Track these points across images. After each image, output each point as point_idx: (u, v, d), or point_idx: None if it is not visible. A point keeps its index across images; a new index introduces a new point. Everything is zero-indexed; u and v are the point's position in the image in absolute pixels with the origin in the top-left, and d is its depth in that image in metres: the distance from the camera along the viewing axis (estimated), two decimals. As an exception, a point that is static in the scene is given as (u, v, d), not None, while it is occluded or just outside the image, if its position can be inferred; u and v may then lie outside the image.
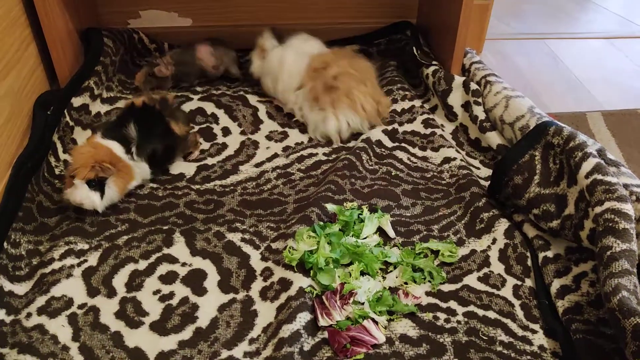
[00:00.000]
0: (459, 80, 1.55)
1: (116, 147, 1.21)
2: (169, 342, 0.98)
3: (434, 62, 1.65)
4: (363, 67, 1.53)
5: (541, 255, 1.12)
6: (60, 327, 0.99)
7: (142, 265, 1.12)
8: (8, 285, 1.06)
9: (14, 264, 1.09)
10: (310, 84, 1.50)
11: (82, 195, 1.16)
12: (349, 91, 1.46)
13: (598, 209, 1.01)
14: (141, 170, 1.27)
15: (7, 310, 1.02)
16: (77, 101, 1.46)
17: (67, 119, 1.41)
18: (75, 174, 1.14)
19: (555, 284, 1.05)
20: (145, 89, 1.58)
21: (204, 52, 1.65)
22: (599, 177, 1.05)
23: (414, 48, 1.72)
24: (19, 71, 1.34)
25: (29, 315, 1.01)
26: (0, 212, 1.14)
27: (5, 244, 1.11)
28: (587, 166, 1.08)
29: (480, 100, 1.49)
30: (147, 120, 1.28)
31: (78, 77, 1.50)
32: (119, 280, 1.09)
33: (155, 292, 1.07)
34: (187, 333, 1.00)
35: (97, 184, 1.17)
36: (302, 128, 1.53)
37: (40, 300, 1.04)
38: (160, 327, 1.00)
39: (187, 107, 1.58)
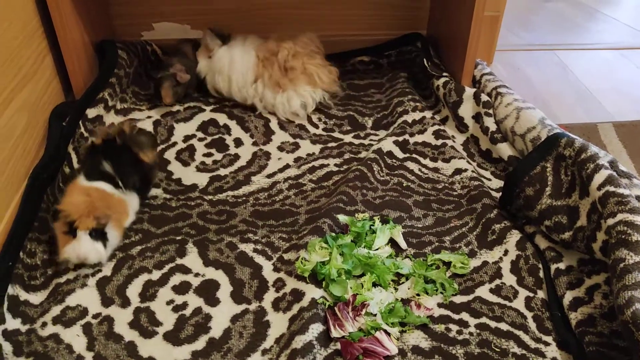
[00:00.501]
0: (469, 91, 1.55)
1: (105, 186, 1.16)
2: (183, 352, 0.99)
3: (444, 74, 1.66)
4: (307, 41, 1.65)
5: (553, 267, 1.12)
6: (75, 337, 1.01)
7: (156, 275, 1.13)
8: (24, 295, 1.07)
9: (29, 273, 1.10)
10: (267, 73, 1.60)
11: (86, 248, 1.08)
12: (303, 68, 1.60)
13: (610, 221, 1.01)
14: (133, 202, 1.24)
15: (22, 320, 1.03)
16: (91, 112, 1.48)
17: (82, 130, 1.42)
18: (76, 226, 1.07)
19: (568, 296, 1.05)
20: (172, 102, 1.61)
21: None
22: (611, 189, 1.05)
23: (425, 59, 1.73)
24: (35, 83, 1.36)
25: (44, 324, 1.03)
26: (17, 222, 1.16)
27: (21, 253, 1.12)
28: (599, 178, 1.08)
29: (491, 111, 1.50)
30: (115, 155, 1.22)
31: (93, 89, 1.52)
32: (133, 290, 1.10)
33: (169, 302, 1.08)
34: (200, 343, 1.00)
35: (98, 233, 1.10)
36: (314, 139, 1.55)
37: (56, 310, 1.05)
38: (173, 337, 1.01)
39: (199, 118, 1.60)
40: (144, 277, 1.12)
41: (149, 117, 1.59)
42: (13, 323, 1.02)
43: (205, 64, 1.65)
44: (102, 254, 1.11)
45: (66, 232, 1.08)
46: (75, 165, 1.36)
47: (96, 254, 1.10)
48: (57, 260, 1.11)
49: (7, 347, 0.98)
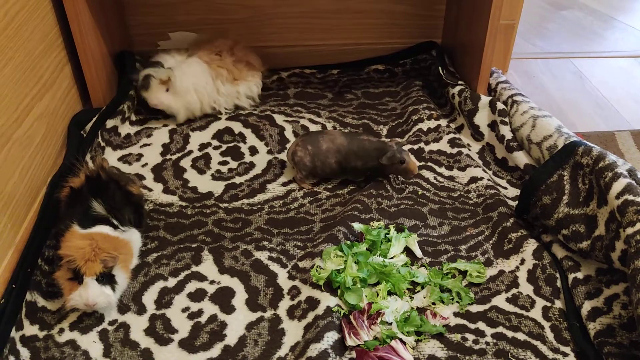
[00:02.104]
0: (485, 100, 1.55)
1: (105, 229, 1.08)
2: (198, 360, 0.99)
3: (459, 82, 1.66)
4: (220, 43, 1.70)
5: (571, 276, 1.11)
6: (91, 343, 1.01)
7: (172, 282, 1.13)
8: (41, 301, 1.08)
9: (47, 280, 1.12)
10: (225, 72, 1.64)
11: (95, 294, 1.01)
12: (240, 56, 1.69)
13: (630, 230, 0.99)
14: (136, 239, 1.17)
15: (40, 326, 1.04)
16: (109, 123, 1.50)
17: (99, 139, 1.44)
18: (83, 272, 1.00)
19: (586, 306, 1.04)
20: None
21: None
22: (630, 197, 1.03)
23: (440, 68, 1.73)
24: (54, 92, 1.38)
25: (61, 330, 1.03)
26: (35, 230, 1.18)
27: (39, 260, 1.14)
28: (617, 186, 1.06)
29: (507, 119, 1.49)
30: (103, 192, 1.14)
31: (115, 101, 1.55)
32: (149, 298, 1.10)
33: (184, 310, 1.08)
34: (215, 351, 1.00)
35: (106, 277, 1.03)
36: (328, 147, 1.55)
37: (72, 317, 1.06)
38: (189, 345, 1.02)
39: (215, 126, 1.61)
40: (159, 285, 1.13)
41: (165, 125, 1.60)
42: (31, 329, 1.03)
43: (173, 99, 1.56)
44: (112, 298, 1.04)
45: (71, 279, 1.02)
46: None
47: (105, 299, 1.03)
48: (63, 308, 1.05)
49: (25, 353, 0.99)
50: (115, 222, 1.11)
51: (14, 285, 1.07)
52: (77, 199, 1.13)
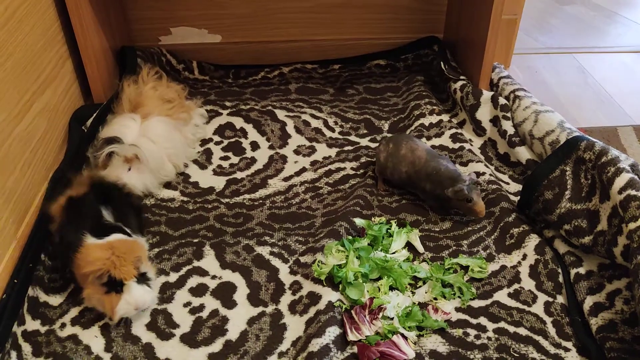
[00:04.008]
0: (487, 95, 1.54)
1: (119, 236, 1.05)
2: (199, 355, 0.99)
3: (461, 77, 1.65)
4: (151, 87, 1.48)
5: (573, 271, 1.11)
6: (93, 338, 1.01)
7: (173, 277, 1.13)
8: (43, 297, 1.08)
9: (49, 275, 1.12)
10: (185, 115, 1.47)
11: (141, 296, 1.01)
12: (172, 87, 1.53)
13: (632, 225, 0.99)
14: (144, 243, 1.15)
15: (42, 321, 1.04)
16: (110, 118, 1.49)
17: (100, 134, 1.44)
18: (123, 278, 0.98)
19: (588, 301, 1.04)
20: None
21: None
22: (633, 192, 1.03)
23: (442, 63, 1.72)
24: (55, 87, 1.38)
25: (63, 325, 1.04)
26: (37, 225, 1.18)
27: (42, 255, 1.14)
28: (620, 181, 1.06)
29: (509, 115, 1.48)
30: (110, 200, 1.12)
31: (116, 95, 1.55)
32: (151, 292, 1.10)
33: (186, 305, 1.08)
34: (217, 345, 1.00)
35: (141, 277, 1.02)
36: (330, 142, 1.54)
37: (74, 312, 1.06)
38: (190, 339, 1.02)
39: (216, 121, 1.61)
40: (161, 279, 1.13)
41: (167, 120, 1.60)
42: (33, 324, 1.03)
43: (134, 178, 1.28)
44: (154, 295, 1.06)
45: (107, 292, 0.99)
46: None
47: (150, 297, 1.03)
48: (111, 321, 1.02)
49: (27, 348, 0.99)
50: (128, 230, 1.08)
51: (15, 281, 1.07)
52: (81, 208, 1.08)
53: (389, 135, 1.33)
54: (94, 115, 1.47)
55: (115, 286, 0.99)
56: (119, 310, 0.99)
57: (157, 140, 1.32)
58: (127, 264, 0.99)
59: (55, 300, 1.09)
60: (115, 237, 1.04)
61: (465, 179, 1.23)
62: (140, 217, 1.21)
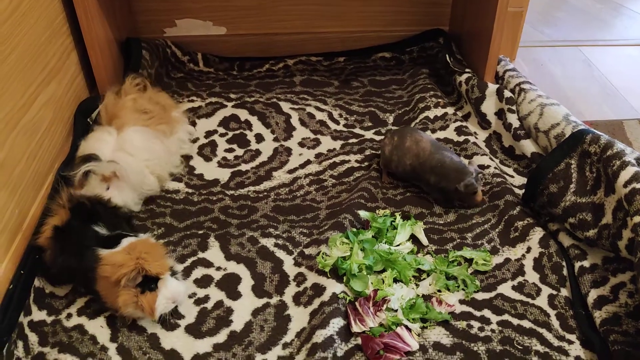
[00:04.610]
0: (492, 88, 1.54)
1: (132, 239, 1.03)
2: (204, 345, 1.00)
3: (467, 70, 1.65)
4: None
5: (577, 264, 1.11)
6: (99, 328, 1.02)
7: (178, 268, 1.14)
8: (49, 287, 1.09)
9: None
10: (164, 127, 1.35)
11: (178, 288, 1.01)
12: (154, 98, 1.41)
13: (637, 219, 0.99)
14: None
15: (48, 311, 1.05)
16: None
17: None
18: (157, 273, 0.97)
19: (592, 295, 1.04)
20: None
21: None
22: (638, 185, 1.03)
23: (447, 55, 1.72)
24: (60, 79, 1.38)
25: (69, 315, 1.04)
26: (43, 216, 1.18)
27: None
28: (625, 175, 1.06)
29: (514, 108, 1.48)
30: (92, 215, 1.08)
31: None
32: (156, 283, 1.11)
33: (191, 296, 1.09)
34: (221, 336, 1.01)
35: (172, 271, 1.03)
36: (334, 135, 1.54)
37: (80, 302, 1.07)
38: (195, 330, 1.02)
39: (221, 113, 1.61)
40: (166, 271, 1.13)
41: (172, 113, 1.60)
42: (39, 314, 1.04)
43: (114, 195, 1.18)
44: (186, 285, 1.07)
45: (142, 292, 0.97)
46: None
47: (184, 288, 1.04)
48: (154, 320, 1.01)
49: (33, 338, 1.00)
50: (131, 234, 1.06)
51: (22, 272, 1.08)
52: (69, 234, 1.04)
53: (395, 128, 1.33)
54: (99, 107, 1.47)
55: (149, 284, 0.98)
56: (158, 306, 0.98)
57: (135, 152, 1.23)
58: (158, 259, 0.98)
59: (61, 290, 1.09)
60: (128, 240, 1.02)
61: (472, 171, 1.23)
62: (131, 223, 1.20)
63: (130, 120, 1.27)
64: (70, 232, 1.05)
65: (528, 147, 1.42)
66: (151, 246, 1.01)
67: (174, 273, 1.04)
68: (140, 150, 1.25)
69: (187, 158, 1.45)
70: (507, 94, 1.50)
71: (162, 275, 0.98)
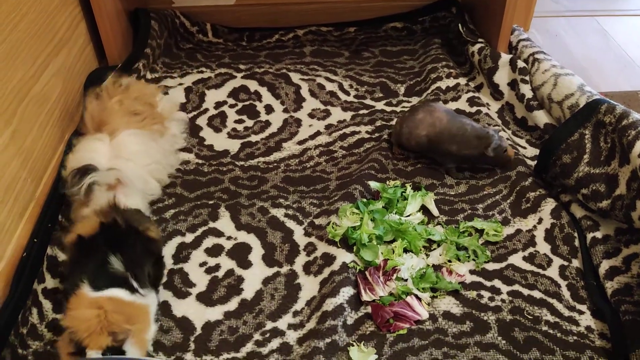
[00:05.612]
0: (505, 58, 1.51)
1: (120, 293, 0.90)
2: (215, 313, 1.01)
3: (479, 40, 1.62)
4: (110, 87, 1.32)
5: (589, 236, 1.10)
6: (111, 296, 1.03)
7: (189, 238, 1.14)
8: (62, 256, 1.10)
9: (65, 226, 1.13)
10: (158, 127, 1.27)
11: None
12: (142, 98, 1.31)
13: (652, 189, 0.98)
14: (153, 303, 0.98)
15: (61, 279, 1.06)
16: (124, 82, 1.49)
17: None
18: (86, 344, 0.84)
19: (604, 265, 1.03)
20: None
21: None
22: (653, 156, 1.01)
23: (460, 25, 1.69)
24: (69, 49, 1.38)
25: (82, 283, 1.05)
26: (55, 186, 1.19)
27: (60, 216, 1.15)
28: (640, 145, 1.04)
29: (527, 78, 1.46)
30: (120, 243, 0.96)
31: (130, 59, 1.54)
32: (167, 252, 1.12)
33: (202, 264, 1.09)
34: (232, 304, 1.02)
35: (115, 353, 0.85)
36: (345, 106, 1.53)
37: (93, 270, 1.08)
38: (206, 298, 1.03)
39: (230, 84, 1.59)
40: (177, 240, 1.14)
41: (181, 84, 1.59)
42: (52, 282, 1.05)
43: (130, 203, 1.09)
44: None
45: (72, 353, 0.85)
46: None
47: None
48: None
49: (47, 305, 1.02)
50: (135, 285, 0.93)
51: (35, 240, 1.09)
52: (88, 251, 0.95)
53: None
54: (109, 77, 1.46)
55: (79, 351, 0.84)
56: None
57: (133, 157, 1.14)
58: (102, 332, 0.85)
59: (73, 259, 1.10)
60: (114, 293, 0.90)
61: (492, 133, 1.22)
62: (160, 265, 1.07)
63: (121, 125, 1.17)
64: (89, 249, 0.95)
65: (541, 118, 1.40)
66: (125, 317, 0.87)
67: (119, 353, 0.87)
68: (138, 155, 1.16)
69: (196, 129, 1.44)
70: (520, 64, 1.47)
71: (88, 349, 0.84)
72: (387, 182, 1.25)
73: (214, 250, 1.12)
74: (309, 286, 1.04)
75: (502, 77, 1.51)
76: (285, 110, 1.52)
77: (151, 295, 0.97)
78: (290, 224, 1.18)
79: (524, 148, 1.39)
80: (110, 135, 1.16)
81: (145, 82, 1.54)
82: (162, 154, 1.26)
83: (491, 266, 1.08)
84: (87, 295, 0.89)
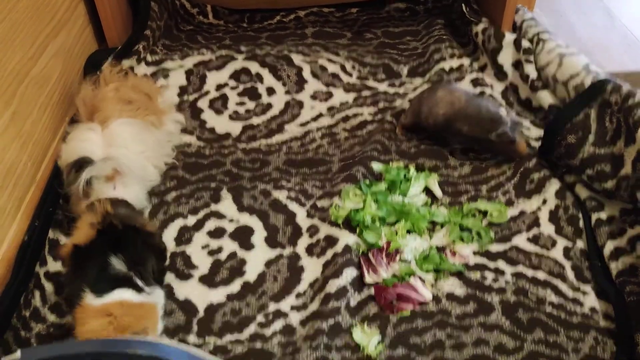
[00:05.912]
0: (509, 38, 1.49)
1: (126, 294, 0.88)
2: (218, 295, 1.00)
3: (483, 20, 1.60)
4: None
5: (594, 216, 1.09)
6: (114, 278, 1.03)
7: (191, 220, 1.14)
8: (63, 239, 1.10)
9: (69, 218, 1.13)
10: (153, 117, 1.23)
11: None
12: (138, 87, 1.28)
13: (658, 169, 0.97)
14: (160, 299, 0.96)
15: (63, 262, 1.06)
16: (124, 63, 1.48)
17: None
18: None
19: (609, 246, 1.03)
20: None
21: None
22: (660, 135, 1.00)
23: (463, 5, 1.66)
24: (69, 30, 1.36)
25: (84, 266, 1.05)
26: (55, 169, 1.18)
27: (61, 200, 1.15)
28: (647, 125, 1.03)
29: (531, 58, 1.44)
30: (121, 243, 0.93)
31: (130, 41, 1.52)
32: (169, 235, 1.11)
33: (204, 247, 1.09)
34: (235, 286, 1.02)
35: None
36: (347, 88, 1.52)
37: (95, 253, 1.07)
38: (209, 280, 1.03)
39: (231, 66, 1.57)
40: (179, 222, 1.14)
41: (182, 66, 1.58)
42: (54, 265, 1.05)
43: (123, 193, 1.07)
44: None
45: None
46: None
47: None
48: None
49: (50, 288, 1.02)
50: (140, 284, 0.91)
51: (36, 223, 1.09)
52: (86, 258, 0.91)
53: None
54: (109, 59, 1.44)
55: None
56: None
57: (127, 145, 1.11)
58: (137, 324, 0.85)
59: (75, 242, 1.10)
60: (120, 294, 0.87)
61: (507, 121, 1.19)
62: (163, 253, 1.05)
63: (114, 112, 1.13)
64: (88, 257, 0.91)
65: (545, 98, 1.38)
66: (136, 319, 0.86)
67: None
68: (132, 142, 1.12)
69: (198, 111, 1.43)
70: (524, 44, 1.45)
71: None
72: (390, 164, 1.24)
73: (216, 233, 1.12)
74: (312, 268, 1.04)
75: (506, 57, 1.49)
76: (287, 92, 1.50)
77: (157, 291, 0.95)
78: (293, 206, 1.17)
79: (528, 129, 1.37)
80: (102, 123, 1.12)
81: (145, 77, 1.48)
82: (157, 143, 1.22)
83: (495, 247, 1.07)
84: (92, 305, 0.86)
